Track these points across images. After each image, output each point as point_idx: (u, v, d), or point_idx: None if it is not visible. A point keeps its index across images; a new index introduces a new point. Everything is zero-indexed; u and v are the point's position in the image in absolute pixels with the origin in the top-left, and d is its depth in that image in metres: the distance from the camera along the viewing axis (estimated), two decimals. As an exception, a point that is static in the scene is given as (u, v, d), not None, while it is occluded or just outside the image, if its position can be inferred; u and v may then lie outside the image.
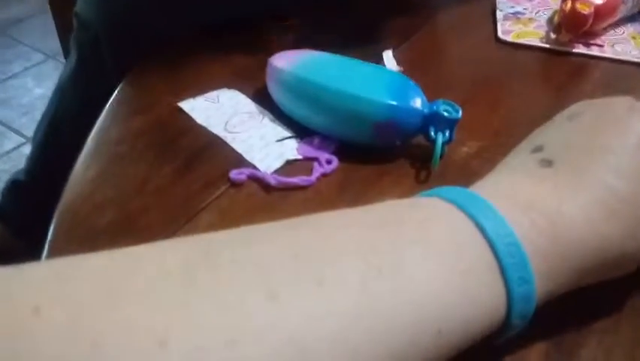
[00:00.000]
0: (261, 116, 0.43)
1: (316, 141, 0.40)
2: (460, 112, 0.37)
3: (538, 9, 0.59)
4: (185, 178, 0.38)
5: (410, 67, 0.47)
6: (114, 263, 0.19)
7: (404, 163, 0.39)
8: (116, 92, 0.46)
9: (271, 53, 0.44)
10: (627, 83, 0.49)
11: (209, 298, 0.18)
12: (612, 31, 0.55)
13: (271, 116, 0.42)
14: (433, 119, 0.38)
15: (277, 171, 0.38)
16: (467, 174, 0.38)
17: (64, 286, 0.18)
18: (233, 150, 0.40)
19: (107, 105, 0.44)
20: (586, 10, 0.50)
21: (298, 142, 0.40)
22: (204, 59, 0.49)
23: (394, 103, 0.37)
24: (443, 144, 0.38)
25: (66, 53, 0.72)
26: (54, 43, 1.47)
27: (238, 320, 0.18)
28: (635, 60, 0.51)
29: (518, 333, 0.25)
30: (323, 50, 0.43)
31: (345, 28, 0.54)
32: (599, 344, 0.28)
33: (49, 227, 0.34)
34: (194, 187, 0.37)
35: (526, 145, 0.29)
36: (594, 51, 0.52)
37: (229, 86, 0.46)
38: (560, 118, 0.30)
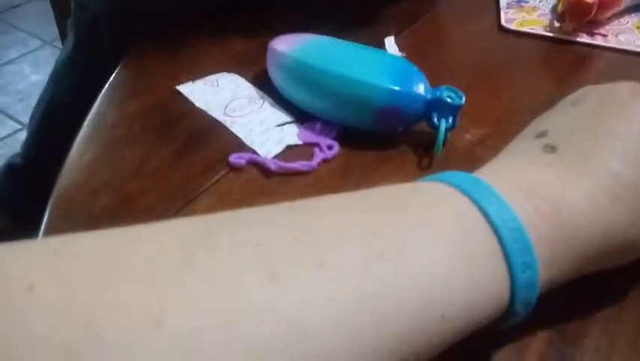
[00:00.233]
0: (261, 100, 0.42)
1: (317, 126, 0.39)
2: (464, 98, 0.37)
3: (542, -3, 0.58)
4: (183, 162, 0.37)
5: (412, 54, 0.46)
6: (111, 242, 0.19)
7: (406, 149, 0.39)
8: (113, 74, 0.45)
9: (272, 37, 0.43)
10: (631, 73, 0.48)
11: (207, 278, 0.18)
12: (616, 21, 0.55)
13: (271, 100, 0.42)
14: (436, 106, 0.37)
15: (277, 156, 0.38)
16: (470, 161, 0.38)
17: (59, 265, 0.17)
18: (232, 134, 0.39)
19: (104, 88, 0.44)
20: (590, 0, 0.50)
21: (299, 127, 0.40)
22: (203, 41, 0.49)
23: (397, 88, 0.37)
24: (446, 130, 0.37)
25: (64, 39, 0.71)
26: (51, 29, 1.46)
27: (237, 301, 0.17)
28: (639, 50, 0.51)
29: (521, 321, 0.24)
30: (325, 34, 0.42)
31: (347, 13, 0.54)
32: (603, 333, 0.27)
33: (45, 210, 0.34)
34: (192, 171, 0.37)
35: (530, 131, 0.29)
36: (598, 40, 0.52)
37: (228, 70, 0.45)
38: (564, 103, 0.29)
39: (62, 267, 0.17)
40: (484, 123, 0.41)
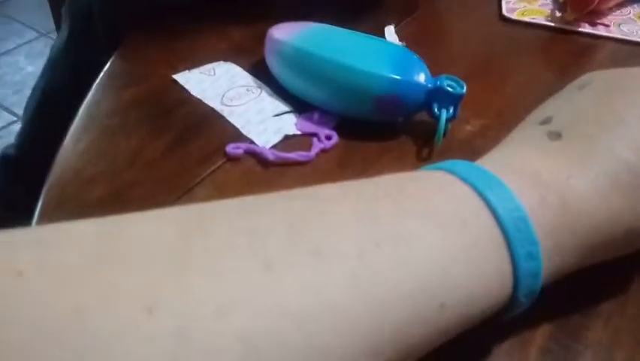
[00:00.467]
0: (259, 89, 0.41)
1: (316, 116, 0.39)
2: (465, 88, 0.36)
3: (543, -13, 0.57)
4: (179, 152, 0.37)
5: (412, 43, 0.46)
6: (102, 229, 0.18)
7: (406, 140, 0.38)
8: (108, 63, 0.45)
9: (270, 25, 0.42)
10: (634, 63, 0.47)
11: (200, 265, 0.17)
12: (618, 11, 0.54)
13: (269, 89, 0.41)
14: (436, 95, 0.37)
15: (275, 146, 0.37)
16: (470, 152, 0.37)
17: (49, 251, 0.17)
18: (229, 123, 0.39)
19: (99, 77, 0.43)
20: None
21: (297, 117, 0.39)
22: (200, 29, 0.48)
23: (397, 77, 0.36)
24: (447, 120, 0.36)
25: (59, 30, 0.70)
26: (47, 20, 1.45)
27: (230, 288, 0.17)
28: (642, 41, 0.50)
29: (523, 314, 0.24)
30: (324, 22, 0.41)
31: (346, 1, 0.53)
32: (606, 327, 0.27)
33: (37, 200, 0.33)
34: (188, 161, 0.36)
35: (534, 117, 0.28)
36: (600, 31, 0.51)
37: (226, 59, 0.44)
38: (570, 88, 0.29)
39: (52, 253, 0.17)
40: (485, 114, 0.40)
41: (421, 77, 0.37)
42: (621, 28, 0.52)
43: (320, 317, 0.18)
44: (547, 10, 0.53)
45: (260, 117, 0.39)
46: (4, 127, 1.43)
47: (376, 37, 0.40)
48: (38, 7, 1.73)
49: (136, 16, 0.49)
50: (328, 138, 0.38)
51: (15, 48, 1.72)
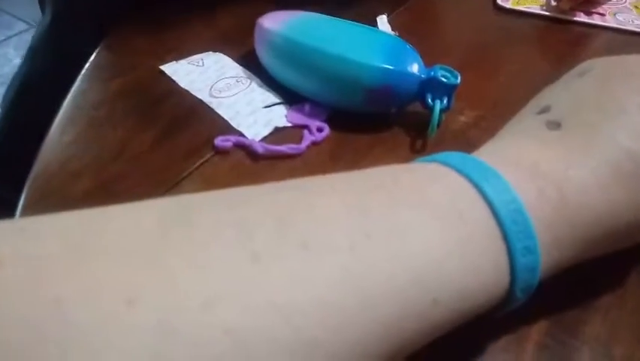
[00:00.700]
0: (249, 80, 0.40)
1: (307, 107, 0.38)
2: (459, 78, 0.36)
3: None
4: (166, 145, 0.36)
5: (405, 33, 0.45)
6: (84, 220, 0.18)
7: (399, 131, 0.38)
8: (94, 53, 0.43)
9: (260, 14, 0.41)
10: (629, 53, 0.47)
11: (184, 257, 0.17)
12: (614, 0, 0.54)
13: (259, 80, 0.40)
14: (430, 85, 0.36)
15: (265, 139, 0.36)
16: (465, 143, 0.37)
17: (28, 241, 0.16)
18: (218, 115, 0.38)
19: (85, 67, 0.42)
20: (588, -23, 0.49)
21: (287, 109, 0.38)
22: (188, 19, 0.47)
23: (389, 67, 0.35)
24: (441, 111, 0.36)
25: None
26: (36, 12, 1.42)
27: (216, 281, 0.16)
28: (637, 30, 0.50)
29: (519, 309, 0.23)
30: (315, 11, 0.40)
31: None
32: (603, 322, 0.26)
33: (21, 193, 0.32)
34: (176, 154, 0.35)
35: (531, 106, 0.27)
36: (595, 20, 0.50)
37: (214, 49, 0.43)
38: (569, 76, 0.28)
39: (31, 243, 0.16)
40: (479, 105, 0.40)
41: (414, 68, 0.36)
42: (617, 17, 0.51)
43: (309, 311, 0.17)
44: (542, -1, 0.53)
45: (249, 109, 0.38)
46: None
47: (368, 27, 0.39)
48: (28, -1, 1.71)
49: (120, 3, 0.47)
50: (319, 130, 0.37)
51: (4, 40, 1.70)
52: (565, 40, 0.48)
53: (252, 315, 0.16)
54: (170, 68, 0.41)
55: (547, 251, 0.22)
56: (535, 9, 0.51)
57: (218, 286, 0.16)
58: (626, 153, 0.23)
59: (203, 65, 0.42)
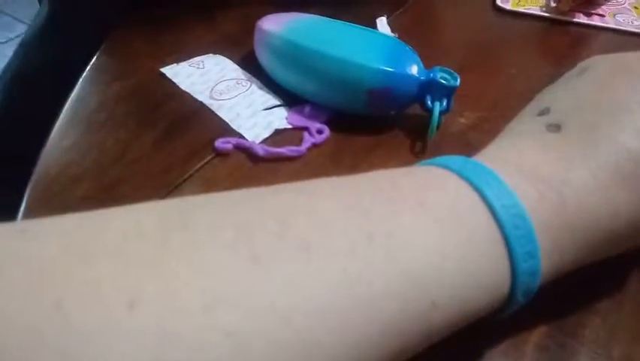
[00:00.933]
0: (249, 83, 0.40)
1: (307, 109, 0.38)
2: (459, 80, 0.36)
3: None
4: (167, 147, 0.36)
5: (405, 34, 0.45)
6: (84, 223, 0.18)
7: (399, 133, 0.38)
8: (95, 56, 0.44)
9: (260, 16, 0.41)
10: (629, 54, 0.47)
11: (185, 259, 0.17)
12: (613, 1, 0.54)
13: (259, 83, 0.40)
14: (429, 87, 0.36)
15: (265, 141, 0.36)
16: (464, 145, 0.37)
17: (28, 242, 0.16)
18: (218, 118, 0.38)
19: (85, 70, 0.42)
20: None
21: (288, 111, 0.38)
22: (188, 21, 0.47)
23: (389, 69, 0.35)
24: (440, 113, 0.36)
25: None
26: (37, 12, 1.43)
27: (216, 283, 0.16)
28: (637, 30, 0.50)
29: (518, 311, 0.23)
30: (315, 13, 0.40)
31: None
32: (602, 324, 0.26)
33: (19, 194, 0.32)
34: (176, 157, 0.35)
35: (531, 108, 0.27)
36: (595, 21, 0.50)
37: (214, 51, 0.43)
38: (568, 76, 0.28)
39: (31, 246, 0.16)
40: (479, 107, 0.40)
41: (414, 70, 0.36)
42: (616, 18, 0.51)
43: (309, 313, 0.17)
44: (542, 0, 0.53)
45: (250, 111, 0.38)
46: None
47: (368, 29, 0.39)
48: (29, 1, 1.71)
49: (121, 4, 0.47)
50: (320, 132, 0.37)
51: (5, 42, 1.70)
52: (565, 42, 0.48)
53: (253, 318, 0.16)
54: (171, 71, 0.41)
55: (548, 255, 0.22)
56: (535, 10, 0.51)
57: (219, 289, 0.16)
58: (626, 153, 0.23)
59: (203, 67, 0.42)
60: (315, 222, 0.19)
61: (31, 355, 0.14)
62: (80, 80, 0.41)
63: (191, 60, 0.42)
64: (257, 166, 0.35)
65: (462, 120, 0.39)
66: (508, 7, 0.52)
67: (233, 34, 0.46)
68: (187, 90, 0.40)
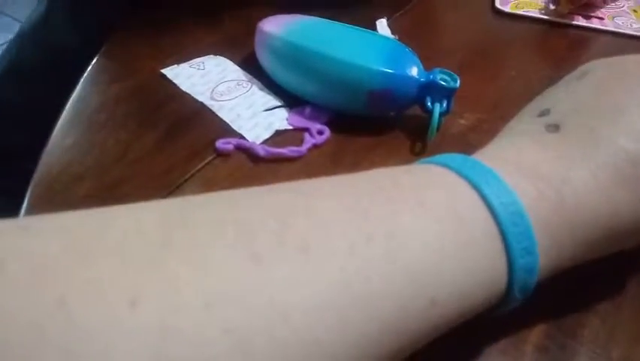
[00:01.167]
0: (250, 84, 0.41)
1: (307, 110, 0.38)
2: (459, 81, 0.36)
3: (537, -20, 0.57)
4: (168, 148, 0.36)
5: (405, 36, 0.45)
6: (86, 220, 0.18)
7: (399, 135, 0.38)
8: (95, 58, 0.44)
9: (261, 18, 0.41)
10: (628, 57, 0.47)
11: (186, 258, 0.17)
12: (613, 4, 0.54)
13: (260, 84, 0.41)
14: (429, 89, 0.36)
15: (266, 142, 0.36)
16: (464, 146, 0.36)
17: (31, 240, 0.16)
18: (219, 119, 0.38)
19: (86, 71, 0.42)
20: (586, -19, 0.49)
21: (288, 112, 0.39)
22: (189, 23, 0.47)
23: (389, 71, 0.35)
24: (440, 114, 0.36)
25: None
26: (37, 14, 1.43)
27: (217, 281, 0.17)
28: (636, 33, 0.50)
29: (517, 311, 0.23)
30: (315, 15, 0.41)
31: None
32: (602, 324, 0.27)
33: (21, 191, 0.32)
34: (177, 157, 0.35)
35: (531, 109, 0.27)
36: (594, 24, 0.51)
37: (215, 53, 0.43)
38: (569, 78, 0.28)
39: (34, 242, 0.16)
40: (479, 108, 0.40)
41: (414, 71, 0.36)
42: (615, 21, 0.51)
43: (308, 312, 0.17)
44: (541, 3, 0.53)
45: (250, 112, 0.38)
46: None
47: (368, 31, 0.39)
48: (29, 1, 1.71)
49: (123, 6, 0.47)
50: (320, 132, 0.37)
51: (5, 44, 1.70)
52: (564, 44, 0.49)
53: (252, 316, 0.16)
54: (171, 72, 0.41)
55: (546, 252, 0.22)
56: (534, 13, 0.52)
57: (220, 287, 0.17)
58: (625, 155, 0.23)
59: (204, 68, 0.42)
60: (314, 221, 0.19)
61: (34, 352, 0.14)
62: (81, 80, 0.41)
63: (191, 61, 0.43)
64: (257, 167, 0.35)
65: (462, 122, 0.39)
66: (507, 9, 0.52)
67: (234, 35, 0.46)
68: (188, 91, 0.40)
